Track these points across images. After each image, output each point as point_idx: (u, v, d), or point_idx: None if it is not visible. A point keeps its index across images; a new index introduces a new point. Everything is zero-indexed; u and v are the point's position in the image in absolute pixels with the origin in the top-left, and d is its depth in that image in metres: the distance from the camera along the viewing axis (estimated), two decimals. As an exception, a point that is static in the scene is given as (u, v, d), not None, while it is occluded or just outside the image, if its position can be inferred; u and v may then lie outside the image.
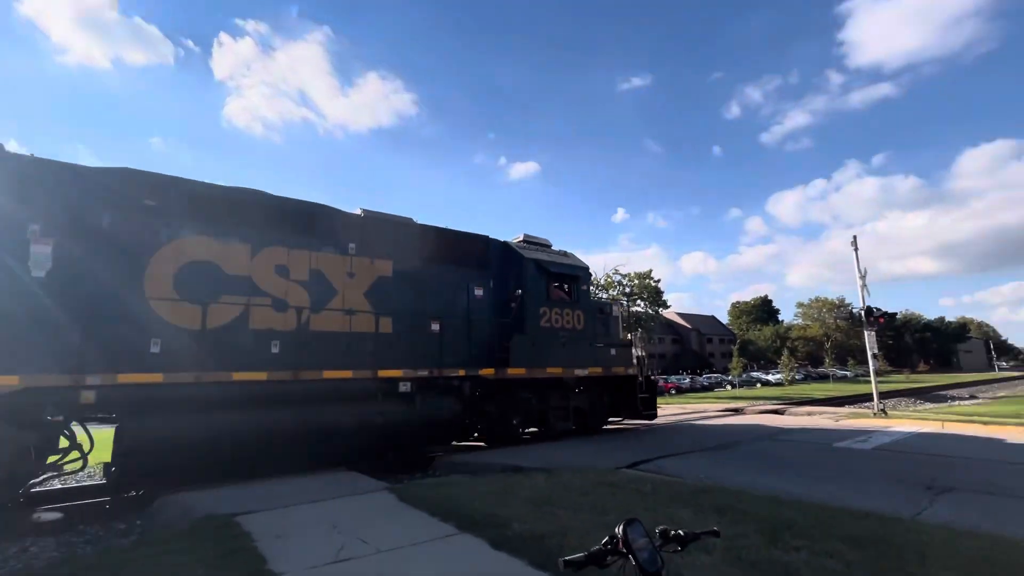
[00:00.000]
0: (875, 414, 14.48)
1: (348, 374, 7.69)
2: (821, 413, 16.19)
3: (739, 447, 9.54)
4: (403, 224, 9.09)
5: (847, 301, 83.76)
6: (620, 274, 34.08)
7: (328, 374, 7.51)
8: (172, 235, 6.72)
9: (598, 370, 11.00)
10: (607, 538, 1.70)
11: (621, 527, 1.66)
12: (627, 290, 34.04)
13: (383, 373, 8.02)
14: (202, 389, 6.50)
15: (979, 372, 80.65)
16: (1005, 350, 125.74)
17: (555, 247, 11.91)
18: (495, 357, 9.50)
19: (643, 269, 35.36)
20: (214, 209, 7.10)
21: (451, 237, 9.64)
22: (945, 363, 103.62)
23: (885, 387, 29.42)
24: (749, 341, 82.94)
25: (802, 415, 16.23)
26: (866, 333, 16.00)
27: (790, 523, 4.50)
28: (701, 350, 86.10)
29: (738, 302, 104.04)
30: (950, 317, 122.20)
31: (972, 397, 29.34)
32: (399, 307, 8.43)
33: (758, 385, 49.99)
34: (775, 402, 23.54)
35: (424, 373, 8.47)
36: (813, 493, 5.97)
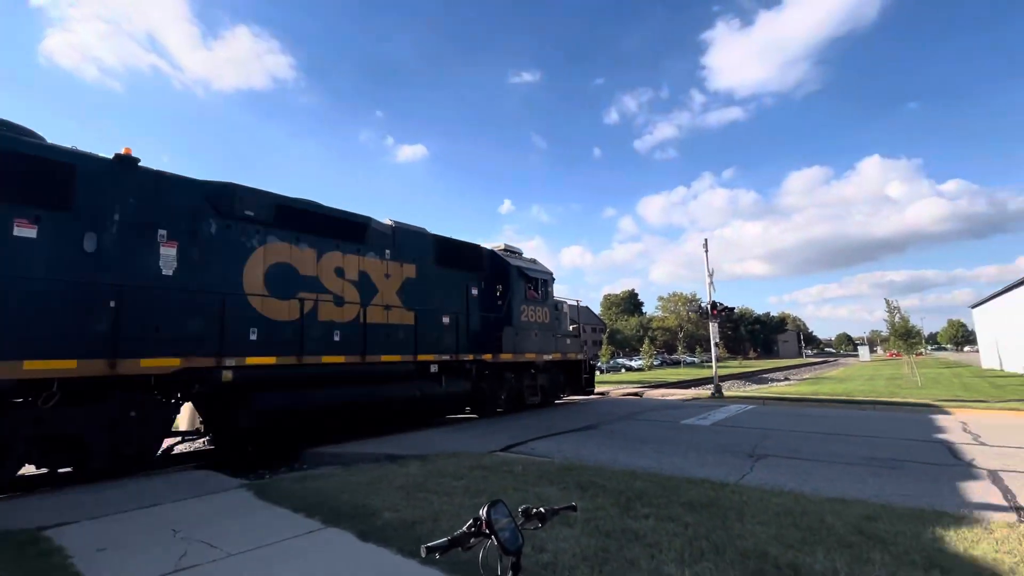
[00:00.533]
0: (713, 395, 16.64)
1: (398, 358, 9.55)
2: (672, 395, 18.19)
3: (602, 427, 10.33)
4: (422, 234, 10.90)
5: (698, 296, 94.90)
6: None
7: (385, 358, 9.28)
8: (261, 241, 8.00)
9: (558, 355, 13.80)
10: (471, 521, 1.71)
11: (485, 509, 1.68)
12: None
13: (421, 357, 9.90)
14: (301, 369, 7.95)
15: (792, 358, 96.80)
16: (811, 340, 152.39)
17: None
18: (489, 345, 11.65)
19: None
20: (291, 219, 8.36)
21: (455, 245, 11.64)
22: (768, 351, 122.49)
23: (723, 371, 33.92)
24: (617, 330, 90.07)
25: (657, 396, 18.08)
26: (711, 324, 18.26)
27: (641, 494, 4.98)
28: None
29: (609, 294, 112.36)
30: (774, 312, 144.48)
31: (786, 379, 35.03)
32: (421, 303, 10.28)
33: (623, 370, 54.66)
34: (636, 385, 25.90)
35: (447, 357, 10.51)
36: (663, 466, 6.68)
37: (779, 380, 33.78)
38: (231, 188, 7.72)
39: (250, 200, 7.88)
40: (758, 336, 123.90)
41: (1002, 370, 33.00)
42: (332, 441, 8.59)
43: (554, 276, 14.95)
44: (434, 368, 10.20)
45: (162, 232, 6.86)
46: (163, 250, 6.84)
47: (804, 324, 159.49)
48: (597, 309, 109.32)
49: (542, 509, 1.84)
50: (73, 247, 6.06)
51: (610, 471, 6.05)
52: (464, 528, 1.69)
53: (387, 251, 9.93)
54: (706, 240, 19.07)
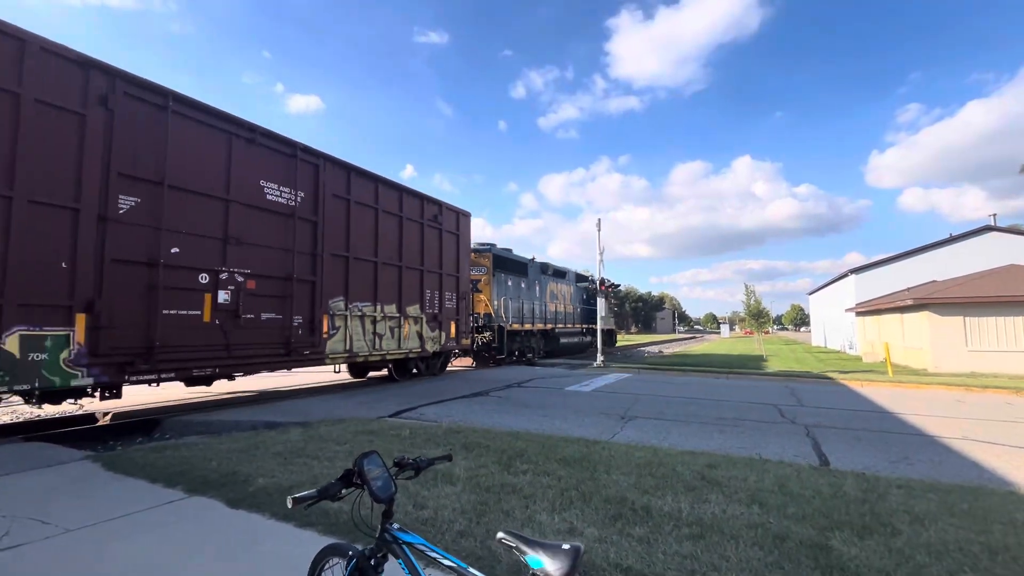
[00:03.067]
0: (597, 365, 17.88)
1: (579, 326, 25.18)
2: (561, 364, 19.20)
3: (492, 393, 10.67)
4: (571, 271, 25.44)
5: (589, 272, 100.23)
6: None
7: (572, 326, 24.53)
8: (547, 282, 21.57)
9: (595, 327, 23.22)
10: (344, 472, 1.70)
11: (358, 461, 1.68)
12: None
13: (580, 326, 25.33)
14: (554, 331, 21.74)
15: (667, 334, 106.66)
16: (683, 318, 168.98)
17: None
18: (589, 321, 25.74)
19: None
20: (549, 272, 22.18)
21: (572, 272, 25.58)
22: (647, 326, 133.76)
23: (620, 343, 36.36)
24: None
25: (547, 366, 18.97)
26: (599, 299, 19.45)
27: (521, 452, 5.27)
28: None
29: None
30: (654, 292, 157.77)
31: (660, 352, 38.71)
32: (576, 303, 24.87)
33: None
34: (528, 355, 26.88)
35: (586, 327, 25.76)
36: (544, 427, 7.09)
37: (653, 353, 37.09)
38: (539, 264, 21.09)
39: (544, 268, 21.37)
40: (639, 313, 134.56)
41: (826, 347, 39.35)
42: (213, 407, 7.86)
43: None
44: (588, 336, 25.57)
45: (534, 281, 20.44)
46: (537, 288, 20.69)
47: (679, 303, 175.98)
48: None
49: (417, 459, 1.89)
50: (523, 289, 19.58)
51: (495, 432, 6.30)
52: (335, 479, 1.68)
53: (565, 279, 23.94)
54: (599, 220, 20.12)
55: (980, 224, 27.60)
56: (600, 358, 18.70)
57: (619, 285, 27.66)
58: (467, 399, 9.88)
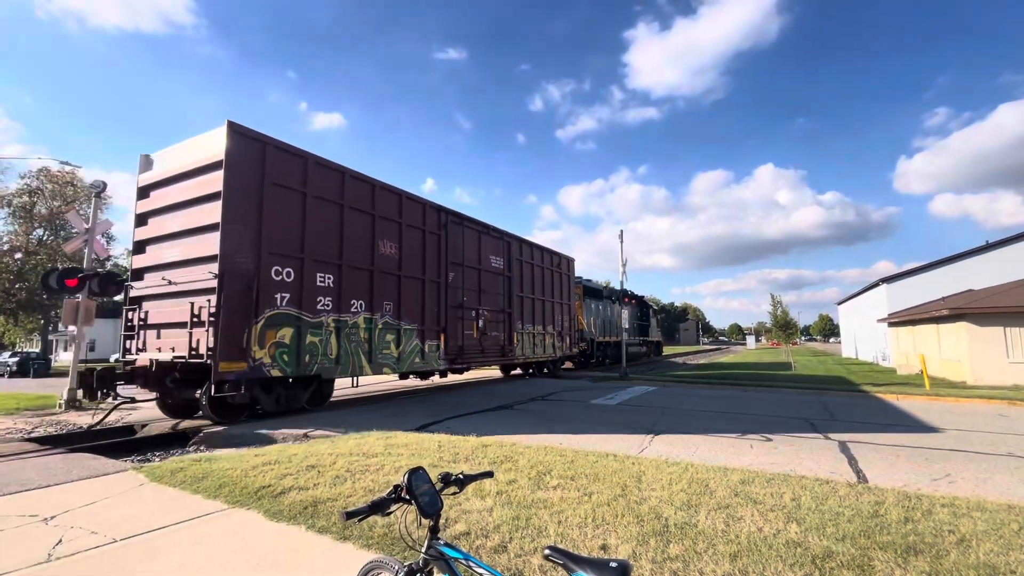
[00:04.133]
0: (619, 377, 17.67)
1: (638, 339, 32.98)
2: (584, 376, 19.07)
3: (516, 407, 10.67)
4: (613, 288, 29.99)
5: (611, 284, 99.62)
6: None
7: (637, 337, 32.46)
8: (614, 303, 27.65)
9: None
10: (392, 487, 1.76)
11: (406, 476, 1.74)
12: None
13: (632, 340, 30.18)
14: (629, 343, 28.09)
15: (691, 345, 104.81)
16: (707, 329, 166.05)
17: None
18: (639, 335, 33.59)
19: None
20: (601, 294, 26.92)
21: (630, 293, 28.58)
22: (671, 338, 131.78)
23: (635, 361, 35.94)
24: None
25: (570, 378, 18.86)
26: (622, 311, 19.31)
27: (551, 468, 5.26)
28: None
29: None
30: (677, 303, 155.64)
31: (684, 364, 38.09)
32: (615, 320, 27.53)
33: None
34: (424, 380, 25.96)
35: (641, 339, 33.69)
36: (572, 442, 7.06)
37: (678, 365, 36.53)
38: (611, 290, 28.20)
39: (612, 292, 28.03)
40: (663, 324, 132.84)
41: (857, 358, 38.14)
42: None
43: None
44: (641, 343, 33.20)
45: (607, 304, 27.08)
46: (609, 310, 27.28)
47: (702, 314, 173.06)
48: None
49: (460, 475, 1.94)
50: (601, 311, 26.07)
51: (522, 446, 6.30)
52: (385, 494, 1.74)
53: (608, 299, 27.33)
54: (622, 231, 20.10)
55: (1018, 231, 26.59)
56: (625, 370, 18.51)
57: (642, 297, 28.84)
58: (491, 412, 9.90)
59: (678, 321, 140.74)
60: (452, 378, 17.66)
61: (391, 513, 1.72)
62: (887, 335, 28.13)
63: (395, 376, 12.41)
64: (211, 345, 7.87)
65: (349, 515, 1.61)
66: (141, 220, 9.54)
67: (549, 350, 17.93)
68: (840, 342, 56.33)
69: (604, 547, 3.37)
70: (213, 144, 8.51)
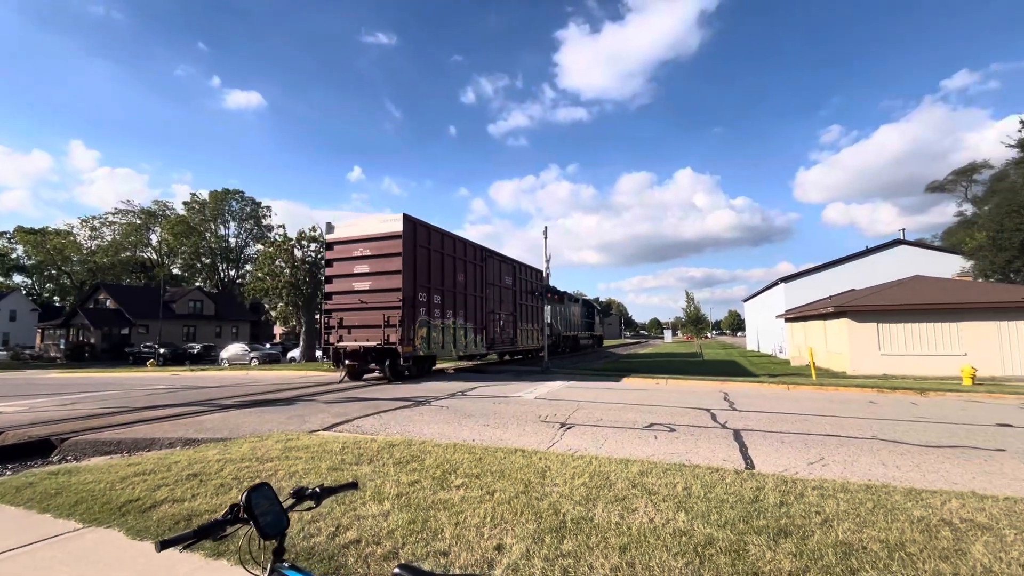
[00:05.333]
0: (542, 372, 17.99)
1: (587, 333, 38.90)
2: (507, 371, 19.18)
3: (433, 403, 10.50)
4: (571, 295, 36.87)
5: (584, 294, 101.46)
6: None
7: (574, 333, 34.96)
8: (570, 305, 34.04)
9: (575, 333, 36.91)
10: (229, 507, 1.56)
11: (244, 495, 1.55)
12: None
13: (583, 334, 37.57)
14: (581, 336, 37.52)
15: (614, 339, 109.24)
16: (629, 323, 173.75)
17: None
18: (587, 330, 39.91)
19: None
20: (560, 296, 28.72)
21: (580, 296, 42.47)
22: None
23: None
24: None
25: (492, 373, 18.90)
26: (545, 306, 19.62)
27: (458, 466, 5.16)
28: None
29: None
30: (602, 297, 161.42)
31: (605, 357, 39.60)
32: (574, 319, 34.81)
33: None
34: (469, 362, 26.75)
35: (588, 333, 39.83)
36: (484, 437, 7.01)
37: (598, 357, 37.97)
38: (568, 294, 32.85)
39: (569, 296, 34.18)
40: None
41: (759, 351, 41.56)
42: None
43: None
44: (588, 337, 39.20)
45: (567, 305, 32.28)
46: (567, 310, 32.68)
47: (625, 309, 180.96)
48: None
49: (317, 488, 1.77)
50: (561, 310, 30.44)
51: (432, 445, 6.16)
52: (220, 515, 1.54)
53: (577, 303, 36.67)
54: (546, 228, 20.41)
55: (892, 238, 30.19)
56: (546, 364, 18.84)
57: (567, 292, 30.44)
58: (408, 408, 9.66)
59: (603, 316, 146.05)
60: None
61: (226, 536, 1.53)
62: (784, 330, 30.87)
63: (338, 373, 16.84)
64: (398, 338, 14.50)
65: (166, 544, 1.40)
66: (328, 263, 16.03)
67: (536, 342, 24.92)
68: (746, 336, 61.15)
69: (499, 547, 3.33)
70: (392, 224, 15.04)
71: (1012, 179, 26.85)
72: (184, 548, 1.45)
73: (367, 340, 14.91)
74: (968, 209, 41.72)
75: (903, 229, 31.44)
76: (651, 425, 7.96)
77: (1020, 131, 24.62)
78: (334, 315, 15.49)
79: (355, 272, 15.41)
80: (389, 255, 14.95)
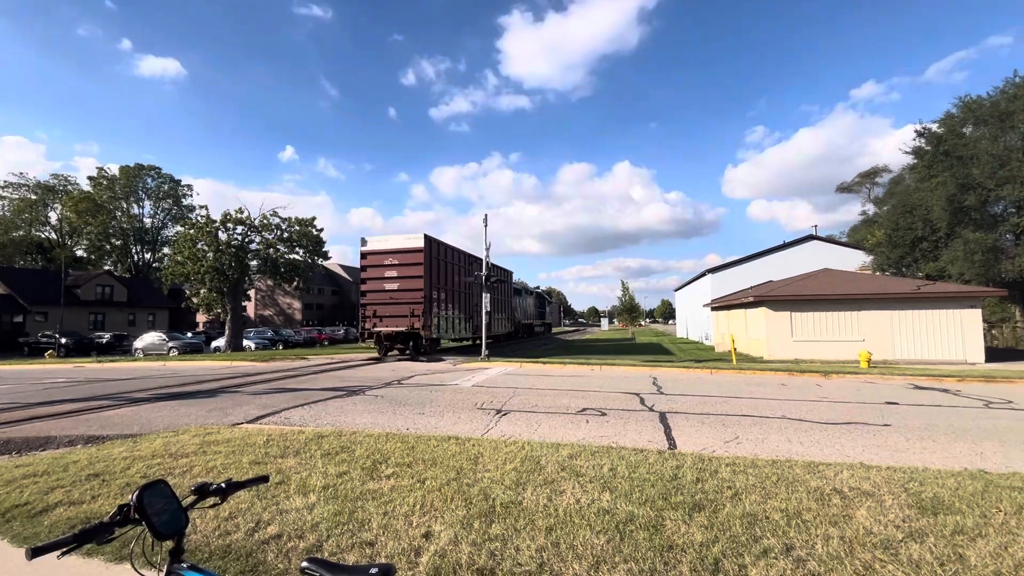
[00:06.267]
0: (482, 359, 18.07)
1: (539, 321, 45.85)
2: (444, 359, 19.11)
3: (367, 391, 10.28)
4: (532, 289, 47.49)
5: (540, 287, 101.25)
6: (280, 217, 31.35)
7: (538, 320, 44.79)
8: (526, 296, 40.35)
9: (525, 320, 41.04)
10: (118, 508, 1.45)
11: (135, 494, 1.44)
12: (285, 235, 31.61)
13: (537, 322, 44.21)
14: (536, 324, 44.26)
15: (555, 327, 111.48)
16: (569, 312, 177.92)
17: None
18: (539, 319, 47.05)
19: (307, 216, 33.60)
20: (527, 289, 42.31)
21: (531, 287, 49.26)
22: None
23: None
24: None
25: (433, 360, 18.76)
26: (484, 295, 19.63)
27: (389, 455, 5.09)
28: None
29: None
30: (543, 286, 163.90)
31: (553, 342, 40.38)
32: (530, 309, 40.31)
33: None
34: (458, 343, 26.62)
35: (540, 321, 46.27)
36: (419, 426, 6.96)
37: (536, 345, 38.70)
38: (523, 288, 39.70)
39: (523, 289, 39.35)
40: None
41: (688, 338, 43.91)
42: None
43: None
44: (540, 325, 45.78)
45: (523, 297, 37.66)
46: (523, 300, 37.21)
47: (565, 298, 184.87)
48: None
49: (223, 484, 1.68)
50: (519, 300, 35.97)
51: (364, 435, 6.03)
52: (107, 517, 1.43)
53: (532, 294, 42.12)
54: (486, 216, 20.33)
55: (806, 234, 32.71)
56: (485, 351, 18.93)
57: (503, 280, 30.32)
58: (340, 399, 9.40)
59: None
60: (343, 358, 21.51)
61: (113, 539, 1.41)
62: (711, 318, 32.77)
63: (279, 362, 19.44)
64: (421, 325, 19.49)
65: (38, 551, 1.28)
66: (363, 269, 21.27)
67: (508, 328, 31.13)
68: (676, 324, 64.34)
69: (427, 534, 3.32)
70: (415, 241, 20.34)
71: (907, 183, 29.78)
72: (64, 554, 1.33)
73: (396, 326, 20.24)
74: (870, 209, 45.70)
75: (815, 226, 34.22)
76: (584, 410, 8.21)
77: (914, 140, 27.27)
78: (368, 307, 20.82)
79: (385, 276, 20.79)
80: (413, 264, 20.49)
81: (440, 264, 21.47)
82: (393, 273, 20.62)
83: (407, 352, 20.16)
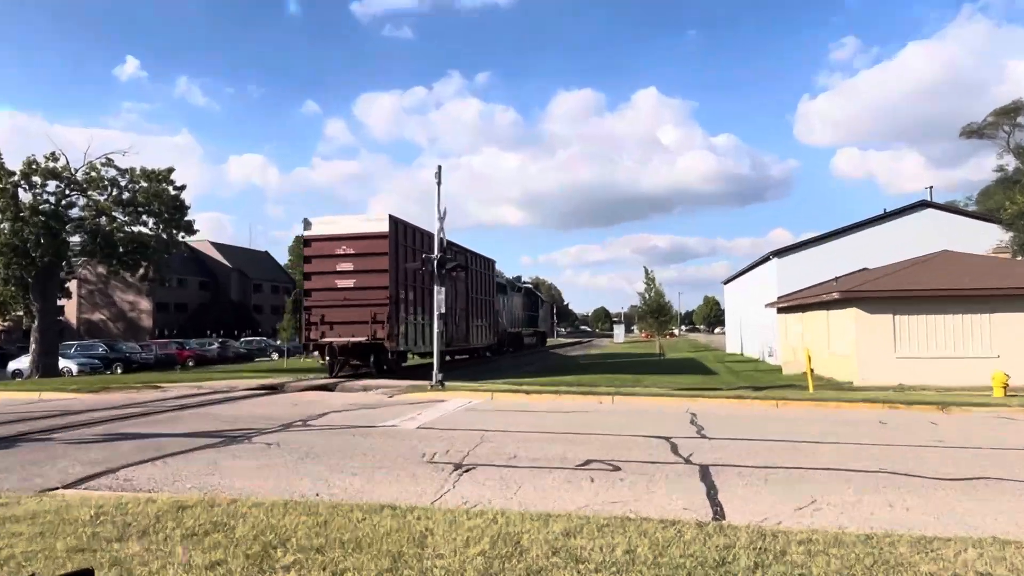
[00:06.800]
0: (432, 387, 18.06)
1: (526, 331, 58.10)
2: (378, 388, 19.06)
3: (256, 437, 10.22)
4: (515, 284, 59.59)
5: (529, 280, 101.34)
6: (116, 168, 30.53)
7: (516, 330, 51.71)
8: (512, 295, 52.91)
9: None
10: None
11: None
12: (125, 195, 30.79)
13: (526, 331, 57.93)
14: (527, 335, 57.87)
15: (548, 336, 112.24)
16: (565, 315, 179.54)
17: None
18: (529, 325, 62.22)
19: (160, 166, 32.38)
20: (504, 287, 48.27)
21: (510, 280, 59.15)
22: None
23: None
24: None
25: (357, 391, 18.71)
26: (436, 289, 19.61)
27: (288, 535, 5.03)
28: (245, 300, 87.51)
29: (306, 236, 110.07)
30: (526, 276, 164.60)
31: (527, 365, 40.70)
32: (516, 312, 51.93)
33: (315, 353, 54.96)
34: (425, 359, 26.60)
35: (533, 329, 61.31)
36: (335, 490, 6.91)
37: (521, 365, 38.95)
38: (507, 283, 50.34)
39: (508, 284, 49.98)
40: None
41: (742, 354, 44.72)
42: None
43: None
44: (529, 334, 57.95)
45: (504, 297, 45.17)
46: (507, 304, 45.96)
47: (560, 293, 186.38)
48: (283, 258, 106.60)
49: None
50: (507, 304, 47.04)
51: (249, 504, 5.97)
52: None
53: (520, 292, 54.31)
54: (439, 168, 20.25)
55: (916, 198, 33.61)
56: (437, 376, 18.91)
57: (483, 273, 31.55)
58: (213, 449, 9.34)
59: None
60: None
61: None
62: (776, 323, 33.44)
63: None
64: (385, 334, 22.24)
65: None
66: (307, 260, 24.20)
67: (485, 339, 36.52)
68: (725, 333, 65.49)
69: (347, 656, 3.29)
70: (377, 224, 23.08)
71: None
72: None
73: (353, 336, 22.01)
74: (1010, 163, 46.74)
75: (930, 187, 35.13)
76: (587, 463, 8.27)
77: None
78: (314, 311, 22.91)
79: (338, 270, 22.44)
80: (375, 254, 22.31)
81: (411, 255, 23.33)
82: (348, 266, 22.59)
83: (363, 369, 22.57)
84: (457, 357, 36.44)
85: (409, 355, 27.84)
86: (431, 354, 29.05)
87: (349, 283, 22.38)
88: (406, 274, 23.50)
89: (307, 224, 23.57)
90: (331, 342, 22.30)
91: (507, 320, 39.52)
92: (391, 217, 22.37)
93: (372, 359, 22.30)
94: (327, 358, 23.52)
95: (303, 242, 23.83)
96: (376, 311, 21.88)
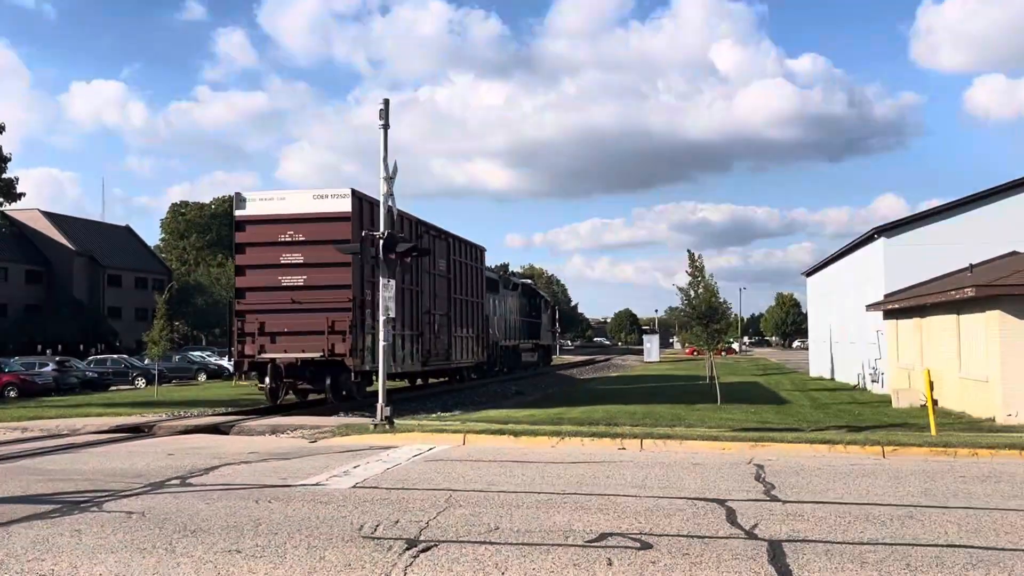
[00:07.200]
0: (376, 426, 17.97)
1: (524, 343, 74.56)
2: (294, 428, 18.99)
3: (112, 502, 10.24)
4: (516, 282, 79.97)
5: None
6: None
7: (511, 343, 66.70)
8: (506, 295, 69.81)
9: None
10: None
11: None
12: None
13: (525, 343, 74.02)
14: (525, 349, 75.13)
15: (552, 351, 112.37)
16: (572, 321, 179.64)
17: None
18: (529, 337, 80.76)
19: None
20: (512, 286, 74.47)
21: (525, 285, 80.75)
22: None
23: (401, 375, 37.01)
24: (202, 286, 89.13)
25: (263, 432, 18.62)
26: (382, 281, 19.54)
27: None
28: (96, 299, 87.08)
29: (184, 204, 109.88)
30: (516, 266, 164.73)
31: (518, 393, 40.66)
32: (511, 318, 68.26)
33: (253, 375, 54.67)
34: (228, 408, 26.31)
35: (534, 342, 79.61)
36: (226, 583, 6.82)
37: (508, 394, 38.94)
38: (499, 279, 66.76)
39: (499, 280, 66.76)
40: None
41: (833, 378, 44.85)
42: None
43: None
44: (529, 348, 74.66)
45: (495, 299, 58.11)
46: (498, 308, 60.36)
47: (564, 289, 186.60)
48: (153, 239, 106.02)
49: None
50: (500, 308, 62.54)
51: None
52: None
53: (506, 292, 65.69)
54: (386, 104, 20.13)
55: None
56: (384, 411, 18.80)
57: (530, 282, 33.73)
58: (47, 521, 9.25)
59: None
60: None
61: None
62: (882, 332, 33.44)
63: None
64: (347, 349, 24.86)
65: None
66: (240, 249, 26.03)
67: (472, 356, 40.95)
68: (808, 347, 65.61)
69: None
70: (336, 202, 25.25)
71: None
72: None
73: (303, 351, 23.28)
74: None
75: (1107, 133, 35.09)
76: (603, 537, 8.23)
77: None
78: (250, 318, 24.01)
79: (283, 263, 23.85)
80: (333, 241, 23.19)
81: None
82: (296, 257, 24.22)
83: (315, 396, 24.50)
84: (433, 380, 38.88)
85: (374, 377, 28.39)
86: (407, 375, 31.95)
87: (298, 280, 23.66)
88: (373, 269, 23.48)
89: (240, 201, 24.54)
90: (273, 359, 23.18)
91: (500, 329, 42.24)
92: (354, 193, 23.33)
93: (328, 382, 23.05)
94: (266, 381, 23.91)
95: (236, 225, 24.24)
96: (334, 318, 22.96)
